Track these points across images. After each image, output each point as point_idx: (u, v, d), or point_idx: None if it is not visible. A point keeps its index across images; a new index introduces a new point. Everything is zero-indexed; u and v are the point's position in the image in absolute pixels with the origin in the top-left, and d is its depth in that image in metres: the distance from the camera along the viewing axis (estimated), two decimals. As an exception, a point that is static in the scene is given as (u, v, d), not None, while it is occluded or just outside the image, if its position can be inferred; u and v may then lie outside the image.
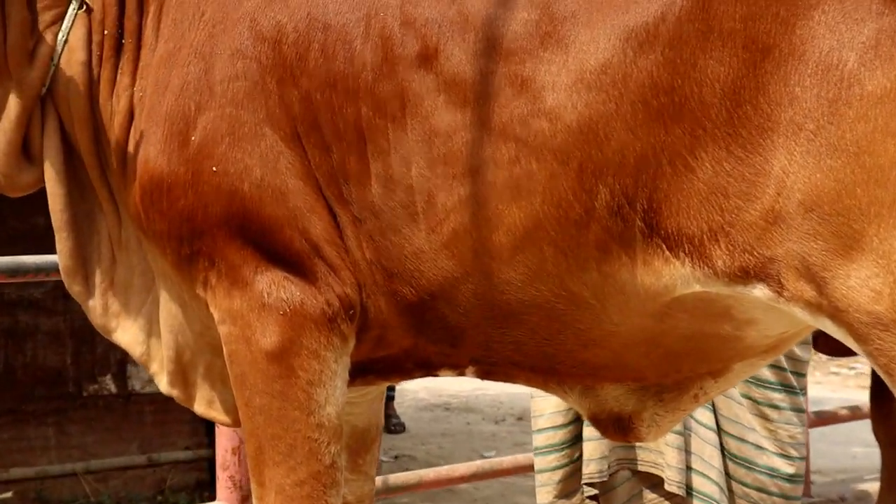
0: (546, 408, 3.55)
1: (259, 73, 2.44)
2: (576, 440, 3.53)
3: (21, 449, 6.14)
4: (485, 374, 2.53)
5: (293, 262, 2.43)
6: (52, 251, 2.78)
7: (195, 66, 2.49)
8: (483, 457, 7.34)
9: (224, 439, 4.24)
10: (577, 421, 3.52)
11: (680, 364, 2.44)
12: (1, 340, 6.16)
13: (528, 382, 2.54)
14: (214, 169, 2.44)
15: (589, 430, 3.45)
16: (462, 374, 2.55)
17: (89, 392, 6.38)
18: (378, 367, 2.57)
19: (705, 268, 2.19)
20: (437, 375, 2.58)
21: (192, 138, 2.46)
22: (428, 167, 2.34)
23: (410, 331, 2.46)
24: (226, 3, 2.51)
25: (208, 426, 5.98)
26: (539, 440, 3.57)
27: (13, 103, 2.63)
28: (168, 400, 2.85)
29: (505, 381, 2.56)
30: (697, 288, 2.23)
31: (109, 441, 6.34)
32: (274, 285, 2.44)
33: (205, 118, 2.46)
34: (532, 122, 2.26)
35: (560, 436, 3.54)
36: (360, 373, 2.55)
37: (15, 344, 6.25)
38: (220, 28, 2.49)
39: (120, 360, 6.32)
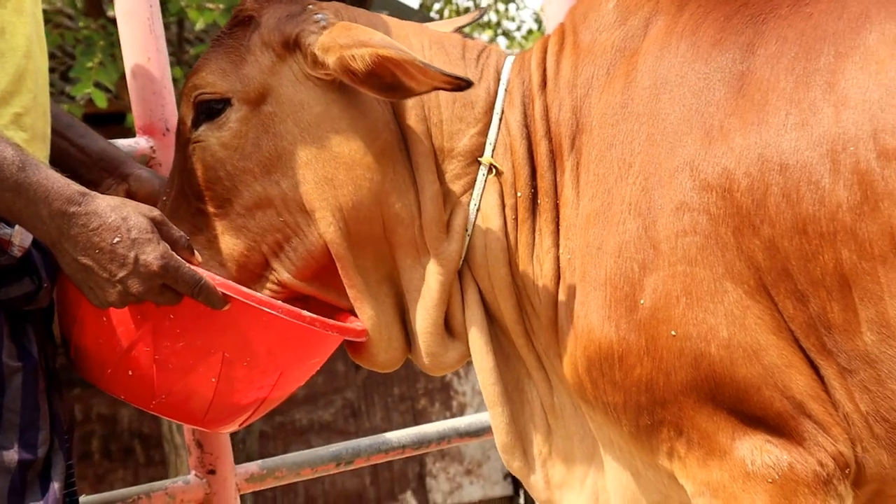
0: None
1: (711, 226, 2.27)
2: None
3: (328, 582, 6.03)
4: None
5: (775, 424, 2.26)
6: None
7: (632, 223, 2.34)
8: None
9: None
10: None
11: None
12: (298, 468, 6.07)
13: None
14: (673, 333, 2.28)
15: None
16: None
17: (391, 512, 6.28)
18: None
19: None
20: None
21: (641, 302, 2.31)
22: None
23: None
24: (656, 152, 2.35)
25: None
26: None
27: (433, 280, 2.53)
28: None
29: None
30: None
31: (419, 566, 6.21)
32: (756, 451, 2.26)
33: (653, 279, 2.30)
34: None
35: None
36: None
37: (312, 470, 6.16)
38: (655, 180, 2.33)
39: (418, 474, 6.19)
